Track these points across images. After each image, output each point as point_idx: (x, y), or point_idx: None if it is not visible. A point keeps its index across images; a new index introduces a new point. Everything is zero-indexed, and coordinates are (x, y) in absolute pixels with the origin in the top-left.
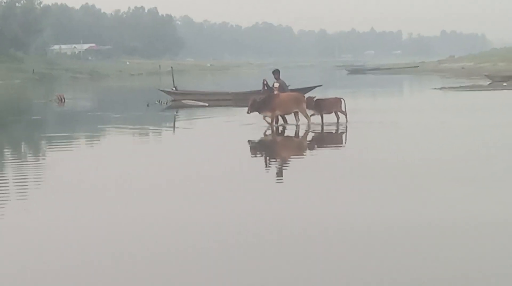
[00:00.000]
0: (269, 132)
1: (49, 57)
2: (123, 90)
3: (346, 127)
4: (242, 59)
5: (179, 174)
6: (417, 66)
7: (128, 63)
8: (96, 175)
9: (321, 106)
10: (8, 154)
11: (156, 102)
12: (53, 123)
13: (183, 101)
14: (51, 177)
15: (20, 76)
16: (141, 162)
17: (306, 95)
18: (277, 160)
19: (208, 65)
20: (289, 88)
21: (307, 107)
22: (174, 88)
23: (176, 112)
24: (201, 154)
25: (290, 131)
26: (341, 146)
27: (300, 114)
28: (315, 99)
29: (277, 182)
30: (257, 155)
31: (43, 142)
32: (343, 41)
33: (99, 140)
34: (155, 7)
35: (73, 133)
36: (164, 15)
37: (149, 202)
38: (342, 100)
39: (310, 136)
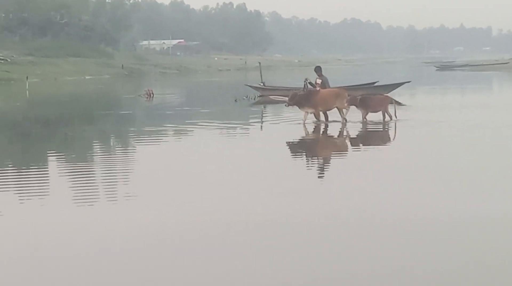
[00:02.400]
0: (319, 128)
1: (138, 52)
2: (211, 85)
3: (392, 125)
4: (330, 55)
5: (263, 169)
6: (507, 63)
7: (216, 58)
8: (182, 170)
9: (367, 104)
10: (97, 148)
11: (244, 97)
12: (142, 117)
13: (270, 96)
14: (139, 171)
15: (110, 71)
16: (228, 157)
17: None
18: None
19: (296, 61)
20: (377, 84)
21: (351, 105)
22: (262, 84)
23: (264, 108)
24: (286, 150)
25: (333, 129)
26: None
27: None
28: (359, 97)
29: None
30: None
31: (131, 136)
32: (432, 37)
33: (186, 134)
34: (244, 3)
35: (161, 128)
36: (253, 11)
37: (236, 199)
38: (389, 98)
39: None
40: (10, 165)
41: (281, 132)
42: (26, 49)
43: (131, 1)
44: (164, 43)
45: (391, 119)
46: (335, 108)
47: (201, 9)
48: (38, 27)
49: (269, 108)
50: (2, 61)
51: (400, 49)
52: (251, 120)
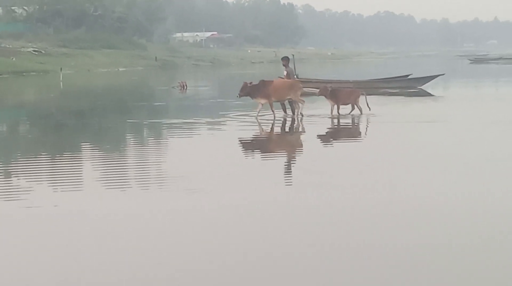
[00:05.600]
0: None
1: (171, 44)
2: (244, 78)
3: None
4: (363, 48)
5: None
6: None
7: (249, 51)
8: (216, 162)
9: (337, 97)
10: (131, 139)
11: None
12: (175, 109)
13: (304, 89)
14: (173, 162)
15: (143, 63)
16: (259, 149)
17: (424, 84)
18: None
19: (329, 53)
20: (411, 77)
21: (321, 95)
22: (295, 76)
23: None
24: (318, 143)
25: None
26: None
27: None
28: (330, 89)
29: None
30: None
31: (165, 127)
32: (466, 30)
33: (220, 126)
34: None
35: (195, 119)
36: (286, 4)
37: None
38: (359, 92)
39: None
40: (44, 155)
41: (315, 125)
42: (60, 41)
43: None
44: (197, 35)
45: (361, 113)
46: (289, 99)
47: (234, 2)
48: (72, 19)
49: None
50: (37, 53)
51: (433, 42)
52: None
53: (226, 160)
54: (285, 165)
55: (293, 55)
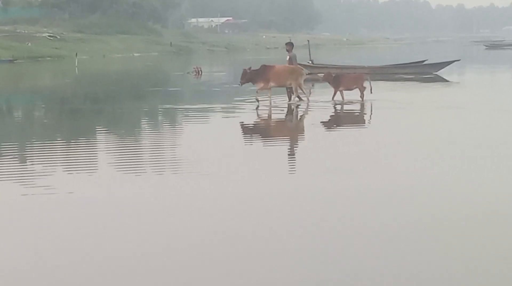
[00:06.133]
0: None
1: (186, 30)
2: (259, 63)
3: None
4: (378, 34)
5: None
6: None
7: (264, 36)
8: (227, 147)
9: (340, 82)
10: (145, 124)
11: None
12: (190, 94)
13: (318, 74)
14: (186, 147)
15: (158, 49)
16: (279, 137)
17: (439, 70)
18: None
19: (344, 39)
20: (426, 63)
21: (325, 81)
22: (310, 61)
23: (312, 86)
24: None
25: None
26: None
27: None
28: (333, 74)
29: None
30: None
31: (179, 113)
32: (481, 16)
33: (234, 112)
34: None
35: (210, 105)
36: None
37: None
38: (364, 77)
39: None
40: (60, 140)
41: (327, 111)
42: (75, 26)
43: None
44: (212, 20)
45: (362, 99)
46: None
47: None
48: (87, 4)
49: (317, 85)
50: (52, 38)
51: (449, 28)
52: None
53: (234, 146)
54: (288, 151)
55: (308, 41)
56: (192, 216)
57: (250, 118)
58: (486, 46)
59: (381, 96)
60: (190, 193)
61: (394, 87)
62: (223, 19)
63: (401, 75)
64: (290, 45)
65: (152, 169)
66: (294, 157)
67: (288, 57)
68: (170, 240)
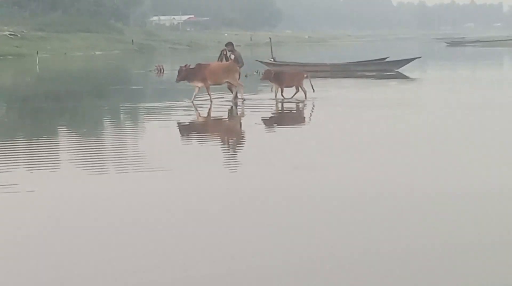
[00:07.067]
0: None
1: (148, 28)
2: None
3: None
4: (340, 31)
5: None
6: None
7: (226, 34)
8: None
9: (281, 79)
10: (107, 122)
11: (254, 72)
12: (152, 93)
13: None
14: (148, 144)
15: (120, 47)
16: (243, 133)
17: (404, 67)
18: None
19: (306, 37)
20: (387, 60)
21: (265, 79)
22: (272, 59)
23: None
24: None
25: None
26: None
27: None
28: (273, 72)
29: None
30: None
31: (141, 111)
32: (443, 13)
33: (200, 109)
34: None
35: (172, 103)
36: None
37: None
38: (303, 74)
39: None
40: (21, 139)
41: (300, 106)
42: (36, 24)
43: None
44: (174, 18)
45: (305, 96)
46: (227, 83)
47: None
48: (48, 2)
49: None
50: (12, 37)
51: (410, 25)
52: (259, 94)
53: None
54: (226, 150)
55: (270, 39)
56: (152, 212)
57: (194, 117)
58: (448, 43)
59: (335, 93)
60: (151, 189)
61: (353, 84)
62: (185, 17)
63: (362, 73)
64: (230, 45)
65: (113, 166)
66: (242, 155)
67: (232, 55)
68: (131, 237)
